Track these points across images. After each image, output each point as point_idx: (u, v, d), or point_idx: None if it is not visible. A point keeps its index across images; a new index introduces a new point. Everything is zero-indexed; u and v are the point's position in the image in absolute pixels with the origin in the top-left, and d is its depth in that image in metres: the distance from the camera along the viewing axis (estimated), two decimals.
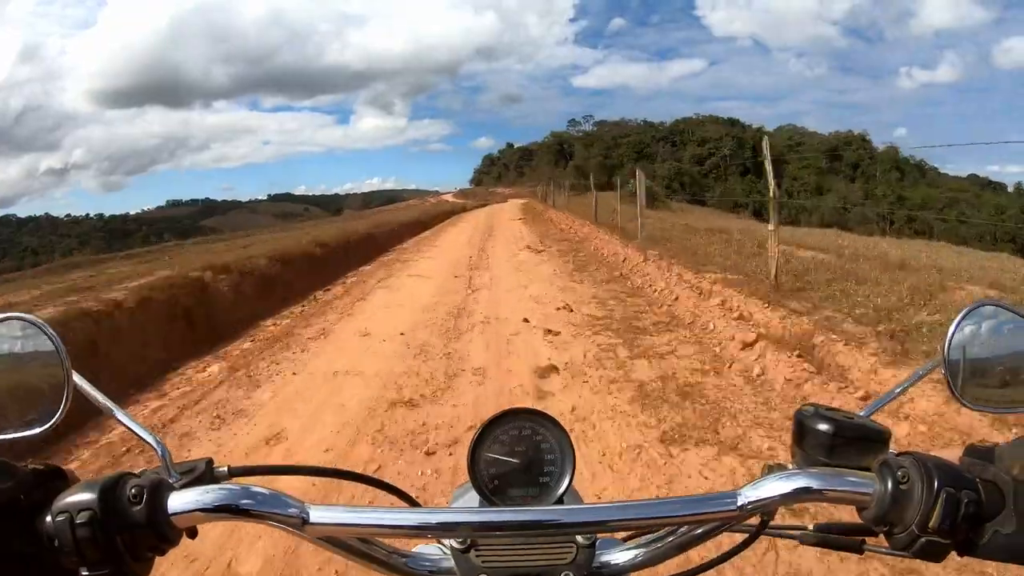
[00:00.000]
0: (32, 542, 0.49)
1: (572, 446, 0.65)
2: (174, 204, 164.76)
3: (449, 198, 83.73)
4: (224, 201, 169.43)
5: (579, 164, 79.70)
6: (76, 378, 0.58)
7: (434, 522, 0.56)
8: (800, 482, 0.54)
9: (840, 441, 0.57)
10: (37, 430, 0.57)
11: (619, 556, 0.63)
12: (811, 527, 0.66)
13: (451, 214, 33.90)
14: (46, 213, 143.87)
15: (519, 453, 0.65)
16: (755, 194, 68.90)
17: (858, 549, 0.63)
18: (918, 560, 0.52)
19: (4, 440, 0.57)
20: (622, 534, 0.68)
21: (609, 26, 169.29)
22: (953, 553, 0.52)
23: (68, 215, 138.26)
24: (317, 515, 0.53)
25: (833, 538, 0.64)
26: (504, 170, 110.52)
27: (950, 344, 0.61)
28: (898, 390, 0.66)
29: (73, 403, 0.58)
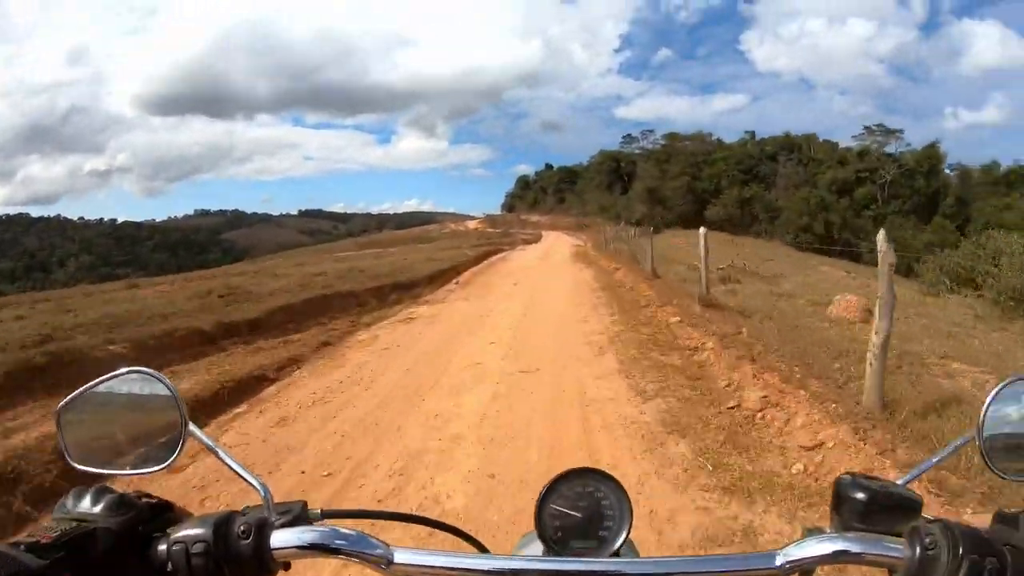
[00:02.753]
0: (145, 567, 0.58)
1: (630, 505, 0.69)
2: (202, 213, 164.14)
3: (474, 225, 77.16)
4: (253, 213, 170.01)
5: (652, 187, 54.67)
6: (191, 426, 0.67)
7: (507, 568, 0.60)
8: (837, 545, 0.57)
9: (875, 508, 0.60)
10: (155, 468, 0.67)
11: None
12: None
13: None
14: (58, 215, 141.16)
15: (581, 508, 0.69)
16: (947, 250, 44.13)
17: None
18: None
19: (124, 475, 0.69)
20: None
21: (654, 58, 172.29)
22: None
23: (81, 218, 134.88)
24: (401, 557, 0.60)
25: None
26: (541, 194, 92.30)
27: (985, 416, 0.65)
28: (934, 460, 0.69)
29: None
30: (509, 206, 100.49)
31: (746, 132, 62.95)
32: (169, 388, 0.67)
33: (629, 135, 77.73)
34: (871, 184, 48.91)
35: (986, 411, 0.64)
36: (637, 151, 73.28)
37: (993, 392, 0.65)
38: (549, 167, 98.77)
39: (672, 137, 67.77)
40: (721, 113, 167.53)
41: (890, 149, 52.68)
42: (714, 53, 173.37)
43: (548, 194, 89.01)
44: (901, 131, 53.13)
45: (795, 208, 45.02)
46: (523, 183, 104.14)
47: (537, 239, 44.19)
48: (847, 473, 0.64)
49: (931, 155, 49.42)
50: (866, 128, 55.28)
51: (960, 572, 0.52)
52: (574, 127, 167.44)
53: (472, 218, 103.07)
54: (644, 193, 54.60)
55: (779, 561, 0.58)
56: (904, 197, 47.37)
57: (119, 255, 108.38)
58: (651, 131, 75.40)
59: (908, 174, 48.34)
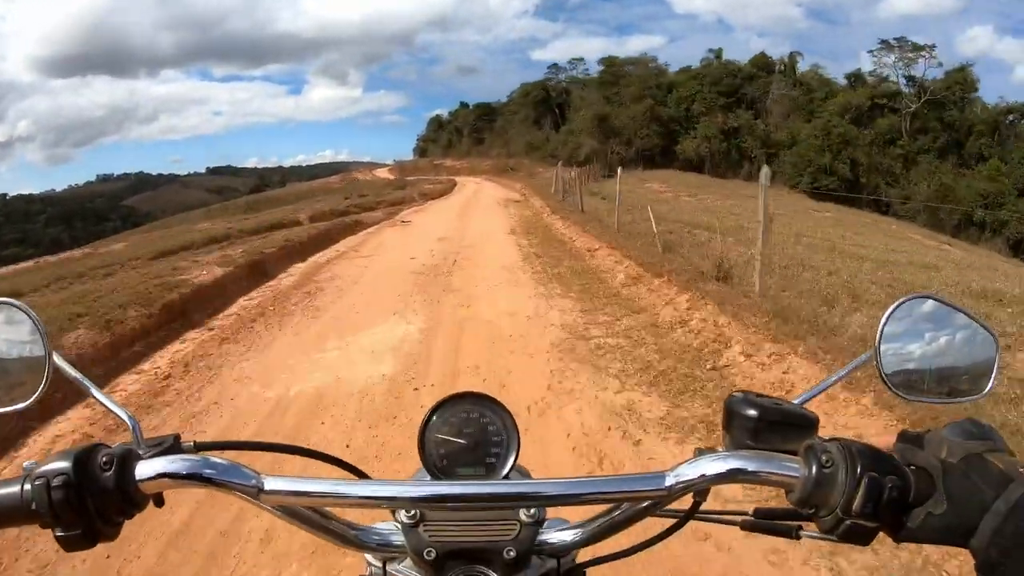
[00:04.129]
0: (9, 505, 0.53)
1: (517, 428, 0.67)
2: (104, 179, 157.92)
3: (383, 173, 67.55)
4: (159, 175, 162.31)
5: (603, 114, 41.43)
6: (56, 358, 0.62)
7: (382, 494, 0.57)
8: (730, 464, 0.54)
9: (764, 425, 0.58)
10: (20, 406, 0.63)
11: (559, 535, 0.64)
12: (750, 512, 0.65)
13: None
14: None
15: (466, 434, 0.67)
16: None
17: (794, 535, 0.62)
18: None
19: None
20: (569, 517, 0.68)
21: None
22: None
23: None
24: (271, 484, 0.56)
25: (768, 523, 0.63)
26: (456, 136, 78.56)
27: (882, 334, 0.63)
28: (832, 380, 0.68)
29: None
30: (421, 150, 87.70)
31: (710, 50, 49.47)
32: (31, 318, 0.63)
33: (555, 65, 63.79)
34: (892, 114, 37.27)
35: (882, 330, 0.62)
36: (565, 82, 60.19)
37: (890, 309, 0.63)
38: (464, 106, 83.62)
39: (611, 62, 53.38)
40: (638, 54, 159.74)
41: (916, 71, 40.53)
42: None
43: (464, 135, 75.89)
44: (932, 47, 40.32)
45: (812, 143, 32.88)
46: (436, 124, 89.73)
47: (448, 190, 30.07)
48: (739, 391, 0.61)
49: (961, 80, 37.98)
50: (883, 43, 41.85)
51: (859, 490, 0.49)
52: (490, 71, 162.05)
53: (385, 166, 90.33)
54: (592, 123, 41.19)
55: (669, 482, 0.55)
56: (934, 132, 36.16)
57: (9, 233, 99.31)
58: (580, 59, 62.17)
59: (937, 103, 36.96)
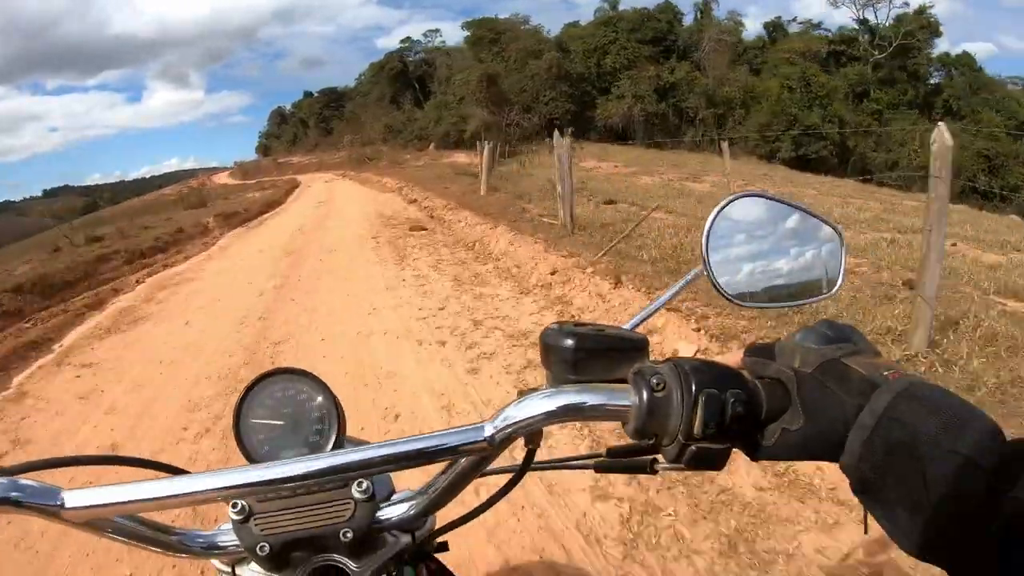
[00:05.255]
0: None
1: (336, 400, 0.63)
2: None
3: (222, 180, 59.28)
4: None
5: (494, 73, 31.39)
6: None
7: (187, 489, 0.52)
8: (555, 402, 0.49)
9: (584, 355, 0.52)
10: None
11: (400, 508, 0.61)
12: (604, 452, 0.59)
13: None
14: None
15: (285, 415, 0.62)
16: None
17: (649, 469, 0.56)
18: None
19: None
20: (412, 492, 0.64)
21: None
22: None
23: None
24: (73, 499, 0.50)
25: (623, 461, 0.58)
26: (301, 128, 70.40)
27: (708, 239, 0.58)
28: (664, 299, 0.64)
29: None
30: (264, 148, 78.66)
31: (604, 0, 38.75)
32: None
33: (408, 38, 54.60)
34: (855, 63, 30.22)
35: (708, 232, 0.56)
36: (416, 56, 51.85)
37: (716, 210, 0.57)
38: (308, 95, 73.96)
39: (476, 25, 42.10)
40: (508, 15, 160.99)
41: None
42: None
43: (310, 126, 67.56)
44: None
45: (791, 97, 24.87)
46: (278, 118, 79.59)
47: (279, 201, 19.88)
48: (554, 323, 0.55)
49: (925, 24, 31.39)
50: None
51: (697, 411, 0.44)
52: (336, 62, 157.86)
53: (227, 170, 78.52)
54: (479, 89, 30.75)
55: (488, 431, 0.50)
56: (902, 83, 29.54)
57: None
58: (436, 30, 53.19)
59: (902, 50, 30.22)
